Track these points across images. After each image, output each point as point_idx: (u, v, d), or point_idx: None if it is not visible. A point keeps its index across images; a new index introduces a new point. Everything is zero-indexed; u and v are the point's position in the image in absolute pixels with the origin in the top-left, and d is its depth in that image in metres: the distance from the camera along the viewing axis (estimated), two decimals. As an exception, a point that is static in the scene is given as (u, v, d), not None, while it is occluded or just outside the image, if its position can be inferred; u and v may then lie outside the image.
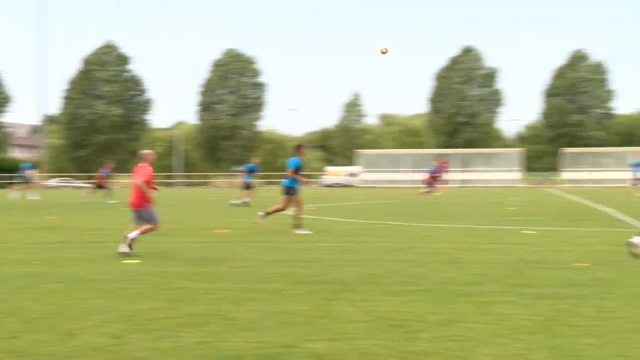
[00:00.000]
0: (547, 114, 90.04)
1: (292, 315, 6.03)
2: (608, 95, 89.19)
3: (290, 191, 14.25)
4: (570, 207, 24.04)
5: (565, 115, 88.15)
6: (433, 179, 30.87)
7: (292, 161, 14.14)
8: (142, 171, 10.50)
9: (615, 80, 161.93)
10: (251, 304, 6.58)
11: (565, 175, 60.29)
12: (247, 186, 26.62)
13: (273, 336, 5.29)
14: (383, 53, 13.60)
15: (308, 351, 4.86)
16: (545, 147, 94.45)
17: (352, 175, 66.87)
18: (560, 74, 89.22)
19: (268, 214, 14.87)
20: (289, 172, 14.14)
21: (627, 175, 45.50)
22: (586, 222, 16.62)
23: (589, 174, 58.67)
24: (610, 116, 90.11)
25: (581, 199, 31.04)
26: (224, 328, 5.58)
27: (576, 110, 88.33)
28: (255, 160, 27.70)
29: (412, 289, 7.46)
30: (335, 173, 69.22)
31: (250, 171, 26.90)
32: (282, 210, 14.65)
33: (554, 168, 78.79)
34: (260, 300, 6.74)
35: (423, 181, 31.94)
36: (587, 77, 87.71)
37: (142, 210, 10.49)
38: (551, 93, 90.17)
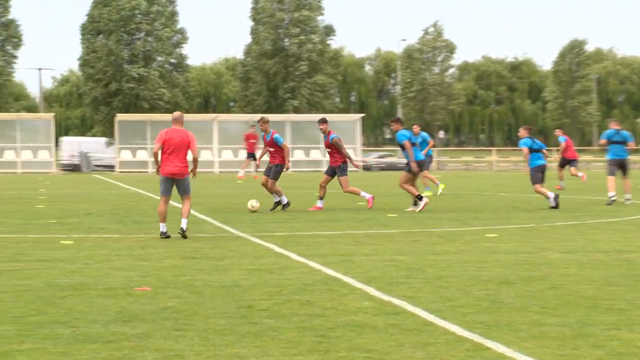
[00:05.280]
0: (89, 60, 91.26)
1: None
2: (179, 36, 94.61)
3: None
4: (125, 200, 25.23)
5: (120, 64, 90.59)
6: None
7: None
8: None
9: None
10: None
11: (123, 155, 62.22)
12: None
13: None
14: None
15: None
16: (87, 112, 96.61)
17: None
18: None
19: None
20: None
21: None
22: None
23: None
24: (183, 68, 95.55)
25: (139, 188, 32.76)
26: None
27: (134, 58, 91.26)
28: None
29: None
30: None
31: None
32: None
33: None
34: None
35: None
36: (147, 10, 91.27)
37: None
38: (93, 29, 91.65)
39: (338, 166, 21.82)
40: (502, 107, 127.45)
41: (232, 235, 16.17)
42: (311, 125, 65.81)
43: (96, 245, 14.23)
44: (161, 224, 15.31)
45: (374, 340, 7.34)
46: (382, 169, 67.35)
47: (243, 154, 62.94)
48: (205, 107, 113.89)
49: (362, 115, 74.01)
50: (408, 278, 10.72)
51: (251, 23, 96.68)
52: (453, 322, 8.03)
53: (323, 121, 22.04)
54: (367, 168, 66.65)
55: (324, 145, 23.40)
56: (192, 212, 20.84)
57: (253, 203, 21.05)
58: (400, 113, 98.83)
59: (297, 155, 62.23)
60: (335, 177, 21.86)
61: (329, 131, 21.88)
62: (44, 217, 19.68)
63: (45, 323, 7.97)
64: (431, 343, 7.20)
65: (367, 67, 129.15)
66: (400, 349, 7.01)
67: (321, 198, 22.15)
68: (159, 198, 15.97)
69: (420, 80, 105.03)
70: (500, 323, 8.00)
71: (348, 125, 67.36)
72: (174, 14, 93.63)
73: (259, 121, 22.53)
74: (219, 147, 63.41)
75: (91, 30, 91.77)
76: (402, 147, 21.71)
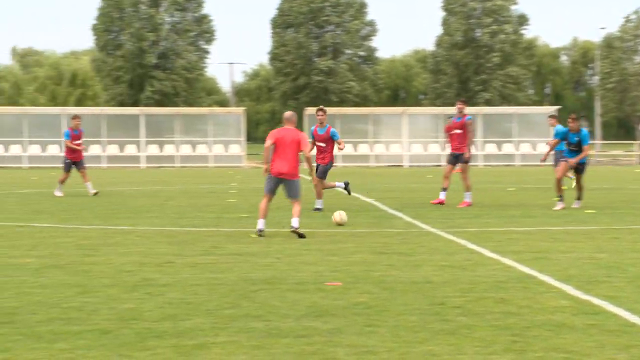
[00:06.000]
0: (279, 54, 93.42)
1: None
2: (369, 28, 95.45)
3: None
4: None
5: (309, 57, 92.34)
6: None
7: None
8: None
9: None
10: None
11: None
12: None
13: None
14: None
15: None
16: (276, 106, 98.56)
17: None
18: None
19: None
20: None
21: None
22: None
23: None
24: (372, 60, 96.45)
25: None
26: None
27: (323, 50, 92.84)
28: None
29: (76, 329, 7.58)
30: None
31: None
32: None
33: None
34: None
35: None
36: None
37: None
38: (282, 22, 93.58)
39: (462, 153, 21.40)
40: None
41: (423, 230, 16.16)
42: (504, 118, 65.31)
43: (286, 240, 14.50)
44: (260, 220, 15.19)
45: (572, 340, 7.21)
46: None
47: (433, 148, 63.38)
48: (395, 100, 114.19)
49: (558, 107, 72.57)
50: (608, 277, 10.47)
51: (442, 13, 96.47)
52: (658, 324, 7.81)
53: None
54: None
55: (451, 132, 21.78)
56: (382, 206, 20.99)
57: (343, 216, 17.34)
58: (598, 105, 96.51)
59: (488, 149, 61.91)
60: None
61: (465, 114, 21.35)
62: (235, 211, 20.20)
63: (239, 316, 8.20)
64: (635, 345, 7.02)
65: (563, 58, 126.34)
66: (601, 351, 6.86)
67: (444, 189, 21.83)
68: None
69: (620, 71, 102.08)
70: None
71: (542, 118, 66.01)
72: (363, 5, 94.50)
73: (317, 111, 21.08)
74: (409, 141, 63.46)
75: (281, 23, 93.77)
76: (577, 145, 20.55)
